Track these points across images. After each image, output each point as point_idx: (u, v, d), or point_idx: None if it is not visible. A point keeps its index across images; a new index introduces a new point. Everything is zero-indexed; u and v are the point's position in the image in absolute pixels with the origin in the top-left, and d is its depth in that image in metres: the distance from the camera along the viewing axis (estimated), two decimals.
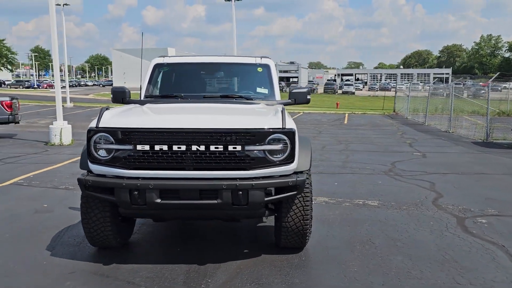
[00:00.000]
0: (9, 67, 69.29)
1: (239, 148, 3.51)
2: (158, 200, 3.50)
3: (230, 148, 3.50)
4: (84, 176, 3.66)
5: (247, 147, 3.52)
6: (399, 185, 7.21)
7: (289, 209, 3.89)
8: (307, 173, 3.98)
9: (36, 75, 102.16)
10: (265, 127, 3.57)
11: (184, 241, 4.52)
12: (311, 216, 4.00)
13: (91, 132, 3.59)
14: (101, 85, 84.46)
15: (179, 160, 3.50)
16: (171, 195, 3.53)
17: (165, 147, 3.49)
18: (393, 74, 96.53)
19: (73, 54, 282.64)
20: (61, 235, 4.53)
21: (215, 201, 3.51)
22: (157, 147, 3.49)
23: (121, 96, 4.82)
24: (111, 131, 3.53)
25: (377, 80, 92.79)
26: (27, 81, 72.44)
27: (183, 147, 3.49)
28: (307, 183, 3.92)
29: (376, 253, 4.14)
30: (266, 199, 3.58)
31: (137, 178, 3.52)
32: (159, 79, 5.11)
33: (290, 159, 3.63)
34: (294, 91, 4.88)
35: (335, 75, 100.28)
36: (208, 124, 3.55)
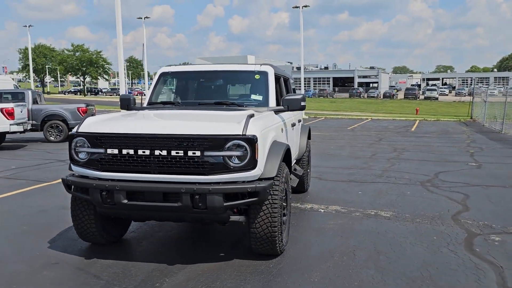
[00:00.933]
0: (105, 76, 75.70)
1: (198, 153, 3.63)
2: (125, 201, 3.75)
3: (190, 153, 3.64)
4: (67, 176, 4.02)
5: (206, 153, 3.63)
6: (428, 196, 6.79)
7: (257, 216, 3.92)
8: (280, 180, 3.99)
9: (129, 83, 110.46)
10: (224, 134, 3.66)
11: (173, 241, 4.73)
12: (280, 223, 3.98)
13: (72, 137, 3.94)
14: None
15: (144, 163, 3.72)
16: (137, 197, 3.76)
17: (131, 151, 3.73)
18: (486, 78, 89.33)
19: (164, 63, 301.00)
20: (68, 230, 4.96)
21: (176, 204, 3.67)
22: (124, 151, 3.74)
23: (126, 103, 5.19)
24: (87, 135, 3.85)
25: (467, 84, 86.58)
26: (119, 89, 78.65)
27: (147, 152, 3.70)
28: (276, 190, 3.92)
29: (350, 265, 4.00)
30: (225, 204, 3.66)
31: (107, 179, 3.80)
32: (163, 87, 5.40)
33: (250, 165, 3.67)
34: (286, 97, 4.88)
35: (420, 79, 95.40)
36: (170, 130, 3.72)
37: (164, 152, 3.67)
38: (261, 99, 5.05)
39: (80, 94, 72.34)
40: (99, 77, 73.04)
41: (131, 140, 3.73)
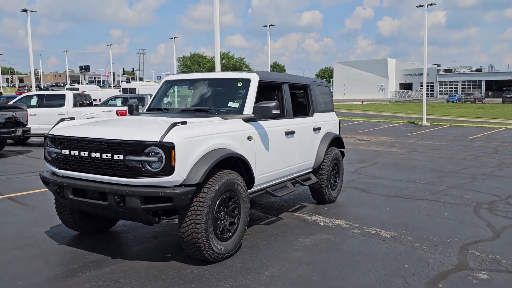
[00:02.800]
0: None
1: (121, 157, 3.91)
2: (71, 196, 4.22)
3: (116, 156, 3.94)
4: (43, 171, 4.68)
5: (128, 157, 3.89)
6: (465, 221, 5.86)
7: (182, 220, 4.01)
8: (211, 188, 4.02)
9: None
10: (143, 140, 3.86)
11: (139, 238, 5.03)
12: (206, 230, 3.99)
13: (45, 137, 4.58)
14: None
15: (85, 164, 4.14)
16: (79, 193, 4.19)
17: (76, 153, 4.18)
18: None
19: (310, 68, 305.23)
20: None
21: (105, 203, 4.00)
22: (72, 152, 4.21)
23: (131, 109, 5.74)
24: (51, 137, 4.44)
25: None
26: None
27: (87, 154, 4.12)
28: (202, 197, 3.96)
29: (272, 282, 3.81)
30: (143, 206, 3.85)
31: (61, 176, 4.33)
32: (161, 94, 5.79)
33: (166, 171, 3.80)
34: (257, 105, 4.83)
35: None
36: (103, 135, 4.07)
37: (98, 155, 4.04)
38: (237, 106, 5.06)
39: None
40: None
41: (76, 143, 4.19)
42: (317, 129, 6.40)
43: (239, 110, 4.96)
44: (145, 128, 4.13)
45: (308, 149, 6.18)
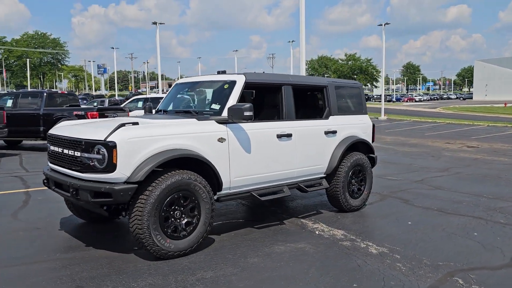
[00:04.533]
0: (374, 84, 77.41)
1: (78, 154, 4.29)
2: (53, 187, 4.75)
3: (75, 153, 4.33)
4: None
5: (82, 154, 4.25)
6: (492, 245, 4.96)
7: (130, 216, 4.22)
8: (157, 186, 4.16)
9: (405, 89, 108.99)
10: (91, 139, 4.17)
11: (124, 228, 5.36)
12: (148, 226, 4.12)
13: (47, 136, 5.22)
14: (461, 98, 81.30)
15: (60, 159, 4.62)
16: (57, 185, 4.69)
17: (56, 149, 4.70)
18: None
19: (447, 68, 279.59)
20: None
21: (68, 194, 4.42)
22: (55, 148, 4.74)
23: (146, 111, 6.20)
24: (48, 135, 5.04)
25: None
26: (389, 95, 79.06)
27: (61, 150, 4.60)
28: (145, 195, 4.12)
29: (193, 285, 3.77)
30: (92, 200, 4.16)
31: (49, 169, 4.90)
32: (169, 97, 6.07)
33: (108, 168, 4.05)
34: (230, 107, 4.81)
35: None
36: (71, 134, 4.48)
37: (66, 151, 4.49)
38: (217, 108, 5.08)
39: None
40: (368, 84, 75.44)
41: (57, 141, 4.70)
42: (331, 133, 6.04)
43: (219, 112, 4.99)
44: (99, 128, 4.44)
45: (317, 153, 5.87)
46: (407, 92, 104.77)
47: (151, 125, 4.44)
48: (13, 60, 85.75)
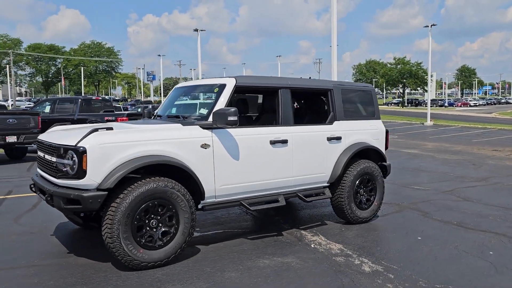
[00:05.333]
0: (425, 88, 74.37)
1: (54, 159, 4.22)
2: (38, 193, 4.72)
3: (52, 159, 4.27)
4: None
5: (57, 159, 4.17)
6: (507, 266, 4.42)
7: (101, 224, 4.08)
8: (128, 194, 4.01)
9: (459, 94, 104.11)
10: (63, 144, 4.08)
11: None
12: (118, 235, 3.95)
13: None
14: None
15: (43, 164, 4.58)
16: (40, 191, 4.65)
17: (40, 154, 4.67)
18: None
19: (500, 71, 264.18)
20: None
21: (48, 199, 4.36)
22: (40, 153, 4.72)
23: (145, 116, 6.12)
24: (36, 140, 5.04)
25: None
26: (441, 100, 75.73)
27: (43, 155, 4.56)
28: (116, 203, 3.97)
29: None
30: (64, 206, 4.07)
31: (36, 175, 4.88)
32: (168, 101, 5.91)
33: (78, 174, 3.94)
34: (214, 111, 4.58)
35: None
36: (51, 139, 4.43)
37: (47, 156, 4.44)
38: (204, 113, 4.87)
39: (399, 106, 74.13)
40: (418, 88, 72.61)
41: (41, 146, 4.67)
42: (335, 139, 5.66)
43: (206, 117, 4.77)
44: (74, 134, 4.35)
45: (318, 160, 5.51)
46: (462, 97, 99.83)
47: (126, 130, 4.30)
48: (71, 69, 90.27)
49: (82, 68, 75.87)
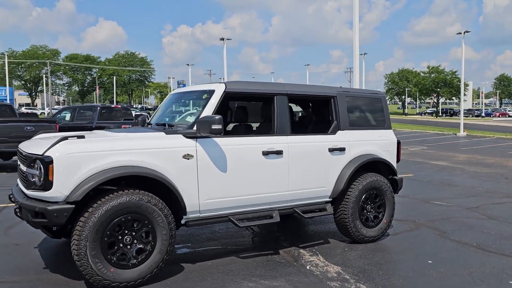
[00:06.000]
0: (459, 96, 71.95)
1: (25, 169, 3.96)
2: (15, 206, 4.48)
3: (23, 168, 4.02)
4: None
5: (27, 169, 3.91)
6: None
7: (71, 240, 3.78)
8: (98, 208, 3.70)
9: (498, 103, 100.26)
10: (31, 153, 3.82)
11: None
12: (85, 253, 3.63)
13: None
14: None
15: (20, 173, 4.34)
16: (14, 201, 4.40)
17: (18, 163, 4.44)
18: None
19: None
20: None
21: (15, 210, 4.11)
22: (18, 162, 4.49)
23: (139, 124, 5.84)
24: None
25: None
26: (477, 109, 72.99)
27: (19, 164, 4.33)
28: (84, 217, 3.66)
29: None
30: (32, 220, 3.79)
31: (16, 185, 4.65)
32: (162, 108, 5.59)
33: (45, 185, 3.66)
34: (198, 120, 4.24)
35: None
36: (24, 147, 4.18)
37: (21, 165, 4.20)
38: (191, 121, 4.52)
39: (433, 115, 71.90)
40: (453, 98, 70.29)
41: (19, 155, 4.43)
42: (337, 150, 5.20)
43: (191, 125, 4.43)
44: (46, 142, 4.09)
45: (318, 173, 5.06)
46: (500, 107, 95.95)
47: (98, 139, 4.00)
48: (105, 78, 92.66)
49: (115, 77, 77.65)
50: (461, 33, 28.52)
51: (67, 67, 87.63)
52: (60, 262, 4.62)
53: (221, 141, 4.40)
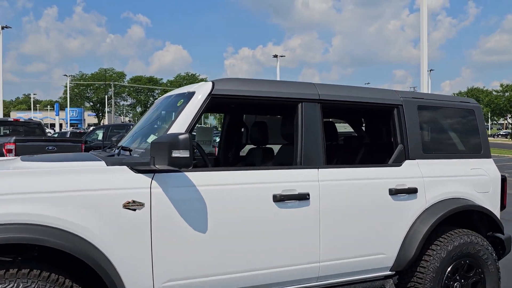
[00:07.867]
0: None
1: None
2: None
3: None
4: None
5: None
6: None
7: None
8: None
9: None
10: None
11: None
12: None
13: None
14: None
15: None
16: None
17: None
18: None
19: None
20: None
21: None
22: None
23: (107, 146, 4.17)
24: None
25: None
26: None
27: None
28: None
29: None
30: None
31: None
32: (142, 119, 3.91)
33: None
34: (152, 141, 2.43)
35: None
36: None
37: None
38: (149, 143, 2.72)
39: (507, 138, 65.66)
40: None
41: None
42: (405, 192, 3.17)
43: (147, 151, 2.63)
44: None
45: (370, 231, 3.07)
46: None
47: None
48: None
49: None
50: None
51: (131, 89, 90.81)
52: None
53: (199, 178, 2.57)
